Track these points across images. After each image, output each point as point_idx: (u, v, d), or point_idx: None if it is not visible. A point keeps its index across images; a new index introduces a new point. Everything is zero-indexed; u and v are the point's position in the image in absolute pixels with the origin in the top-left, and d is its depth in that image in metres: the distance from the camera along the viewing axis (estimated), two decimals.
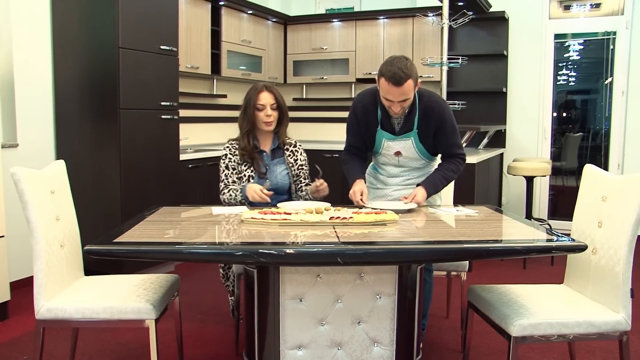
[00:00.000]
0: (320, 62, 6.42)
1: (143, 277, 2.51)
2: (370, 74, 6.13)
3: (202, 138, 5.67)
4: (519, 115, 5.99)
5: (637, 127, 5.61)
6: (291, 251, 1.92)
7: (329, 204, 2.72)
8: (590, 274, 2.31)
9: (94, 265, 3.20)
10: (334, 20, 6.28)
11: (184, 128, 4.85)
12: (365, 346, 2.19)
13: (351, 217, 2.30)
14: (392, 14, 5.99)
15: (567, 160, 6.24)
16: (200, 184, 4.70)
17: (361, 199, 2.71)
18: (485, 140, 5.54)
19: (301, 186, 3.07)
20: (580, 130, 6.28)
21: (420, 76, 5.82)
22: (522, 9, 5.86)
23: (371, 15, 6.11)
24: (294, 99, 6.72)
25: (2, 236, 3.33)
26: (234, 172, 3.00)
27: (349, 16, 6.29)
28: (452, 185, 3.17)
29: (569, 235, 2.22)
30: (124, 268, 3.77)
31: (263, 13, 5.98)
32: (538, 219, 5.46)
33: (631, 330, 2.18)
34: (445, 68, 5.19)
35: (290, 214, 2.35)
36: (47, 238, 2.22)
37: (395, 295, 2.17)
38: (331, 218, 2.29)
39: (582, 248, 2.05)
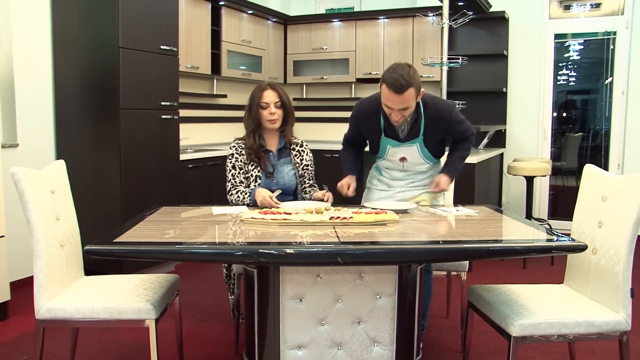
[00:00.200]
0: (320, 62, 6.42)
1: (143, 277, 2.51)
2: (370, 74, 6.13)
3: (202, 138, 5.67)
4: (519, 115, 5.99)
5: (637, 127, 5.61)
6: (291, 251, 1.92)
7: (329, 204, 2.72)
8: (590, 274, 2.31)
9: (94, 265, 3.20)
10: (334, 20, 6.28)
11: (184, 128, 4.85)
12: (365, 346, 2.19)
13: (351, 217, 2.30)
14: (392, 14, 5.99)
15: (567, 160, 6.24)
16: (200, 184, 4.70)
17: (347, 193, 2.81)
18: (485, 140, 5.54)
19: (305, 187, 3.05)
20: (580, 130, 6.28)
21: (421, 76, 5.87)
22: (522, 9, 5.86)
23: (371, 15, 6.11)
24: (294, 99, 6.72)
25: (2, 236, 3.33)
26: (241, 171, 2.98)
27: (349, 16, 6.29)
28: (452, 185, 3.16)
29: (569, 235, 2.22)
30: (124, 268, 3.77)
31: (263, 13, 5.99)
32: (538, 219, 5.47)
33: (631, 330, 2.18)
34: (445, 68, 5.19)
35: (290, 214, 2.35)
36: (47, 238, 2.22)
37: (395, 295, 2.17)
38: (331, 218, 2.29)
39: (582, 248, 2.05)
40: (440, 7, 5.16)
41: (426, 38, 5.82)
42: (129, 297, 2.25)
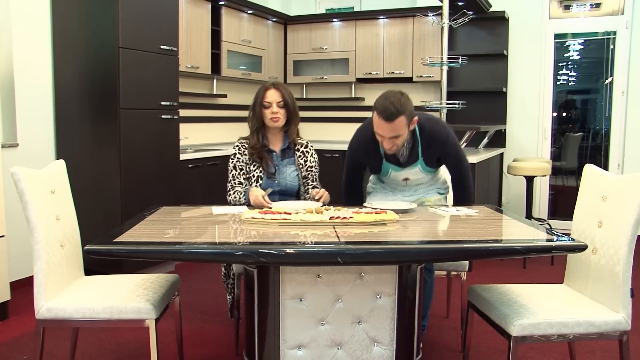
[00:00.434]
0: (320, 62, 6.42)
1: (143, 276, 2.51)
2: (370, 73, 6.13)
3: (202, 138, 5.67)
4: (519, 115, 5.99)
5: (637, 126, 5.61)
6: (291, 251, 1.92)
7: (319, 204, 2.72)
8: (590, 274, 2.31)
9: (94, 265, 3.20)
10: (334, 20, 6.28)
11: (184, 128, 4.85)
12: (365, 346, 2.19)
13: (351, 217, 2.30)
14: (392, 13, 5.99)
15: (567, 160, 6.24)
16: (200, 183, 4.70)
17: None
18: (485, 140, 5.54)
19: (308, 188, 3.04)
20: (580, 130, 6.29)
21: (420, 76, 5.90)
22: (522, 8, 5.86)
23: (371, 15, 6.11)
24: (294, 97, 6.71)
25: (2, 236, 3.33)
26: (242, 172, 2.98)
27: (349, 16, 6.29)
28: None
29: (569, 235, 2.21)
30: (123, 268, 3.77)
31: (263, 13, 5.99)
32: (538, 219, 5.47)
33: (631, 330, 2.18)
34: (445, 68, 5.19)
35: (290, 213, 2.35)
36: (47, 238, 2.22)
37: (395, 295, 2.17)
38: (331, 218, 2.29)
39: (582, 248, 2.05)
40: (440, 7, 5.16)
41: (426, 38, 5.82)
42: (129, 297, 2.25)
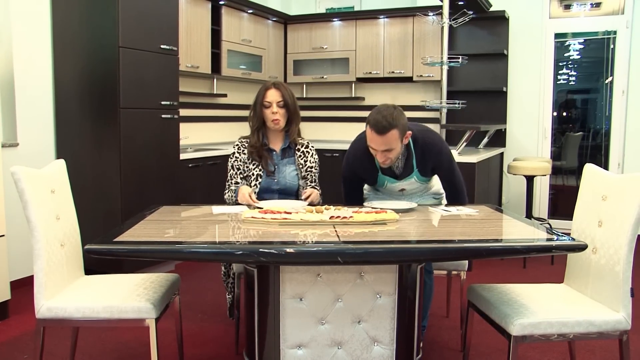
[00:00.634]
0: (320, 62, 6.42)
1: (143, 276, 2.51)
2: (370, 73, 6.13)
3: (202, 137, 5.67)
4: (519, 114, 5.99)
5: (637, 126, 5.61)
6: (291, 250, 1.92)
7: (305, 203, 2.73)
8: (590, 273, 2.31)
9: (94, 264, 3.20)
10: (334, 19, 6.28)
11: (184, 127, 4.85)
12: (365, 345, 2.19)
13: (351, 217, 2.30)
14: (393, 13, 5.99)
15: (567, 159, 6.24)
16: (200, 183, 4.70)
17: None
18: (485, 140, 5.53)
19: (306, 189, 3.05)
20: (581, 129, 6.28)
21: (420, 76, 5.90)
22: (522, 8, 5.86)
23: (371, 15, 6.11)
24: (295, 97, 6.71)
25: (3, 235, 3.33)
26: (239, 172, 2.99)
27: (349, 15, 6.29)
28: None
29: (569, 234, 2.21)
30: (124, 267, 3.77)
31: (263, 12, 5.98)
32: (538, 218, 5.46)
33: (631, 330, 2.18)
34: (445, 67, 5.19)
35: (290, 213, 2.35)
36: (47, 237, 2.22)
37: (395, 294, 2.17)
38: (331, 217, 2.29)
39: (582, 247, 2.05)
40: (441, 7, 5.16)
41: (426, 37, 5.82)
42: (129, 296, 2.25)
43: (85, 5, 3.95)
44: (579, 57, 6.21)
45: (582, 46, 6.17)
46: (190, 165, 4.60)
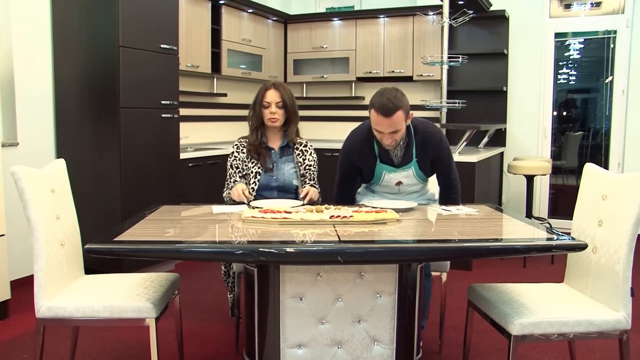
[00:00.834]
0: (320, 61, 6.41)
1: (143, 275, 2.51)
2: (370, 72, 6.13)
3: (202, 137, 5.67)
4: (519, 114, 5.99)
5: (637, 126, 5.61)
6: (291, 250, 1.92)
7: (301, 203, 2.73)
8: (590, 273, 2.31)
9: (94, 264, 3.20)
10: (334, 19, 6.28)
11: (184, 127, 4.85)
12: (365, 345, 2.19)
13: (351, 216, 2.30)
14: (393, 12, 5.99)
15: (568, 159, 6.24)
16: (200, 182, 4.70)
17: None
18: (485, 139, 5.53)
19: (304, 187, 3.06)
20: (581, 129, 6.28)
21: (420, 75, 5.90)
22: (522, 7, 5.86)
23: (371, 14, 6.11)
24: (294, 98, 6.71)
25: (3, 235, 3.33)
26: (238, 170, 3.03)
27: (349, 15, 6.29)
28: None
29: (569, 234, 2.21)
30: (124, 267, 3.78)
31: (263, 12, 5.98)
32: (538, 218, 5.47)
33: (631, 329, 2.18)
34: (445, 67, 5.19)
35: (290, 212, 2.35)
36: (48, 237, 2.22)
37: (395, 294, 2.17)
38: (331, 217, 2.29)
39: (582, 247, 2.05)
40: (441, 6, 5.16)
41: (426, 37, 5.82)
42: (129, 295, 2.25)
43: (85, 5, 3.95)
44: (579, 56, 6.21)
45: (582, 46, 6.17)
46: (190, 164, 4.60)
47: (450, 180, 2.92)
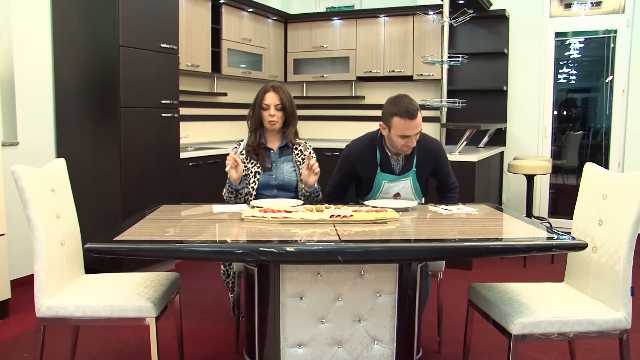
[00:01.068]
0: (320, 61, 6.41)
1: (143, 275, 2.52)
2: (370, 72, 6.13)
3: (202, 136, 5.67)
4: (520, 113, 5.98)
5: (637, 125, 5.61)
6: (292, 249, 1.92)
7: (301, 202, 2.74)
8: (590, 272, 2.31)
9: (95, 263, 3.20)
10: (334, 18, 6.28)
11: (184, 126, 4.85)
12: (365, 344, 2.19)
13: (351, 215, 2.30)
14: (393, 12, 5.99)
15: (568, 158, 6.24)
16: (200, 182, 4.70)
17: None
18: (485, 139, 5.53)
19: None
20: (581, 128, 6.28)
21: (421, 74, 5.90)
22: (522, 7, 5.85)
23: (371, 14, 6.10)
24: (294, 97, 6.67)
25: (3, 234, 3.33)
26: None
27: (349, 14, 6.29)
28: None
29: (569, 233, 2.22)
30: (124, 266, 3.78)
31: (263, 11, 5.98)
32: (538, 217, 5.47)
33: (631, 329, 2.18)
34: (445, 66, 5.19)
35: (290, 212, 2.35)
36: (48, 236, 2.22)
37: (395, 293, 2.18)
38: (332, 216, 2.29)
39: (582, 246, 2.05)
40: (441, 5, 5.15)
41: (426, 36, 5.82)
42: (129, 295, 2.25)
43: (85, 4, 3.95)
44: (579, 56, 6.21)
45: (582, 45, 6.17)
46: (190, 164, 4.60)
47: (449, 183, 3.03)
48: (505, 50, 5.82)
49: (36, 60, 3.99)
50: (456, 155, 4.54)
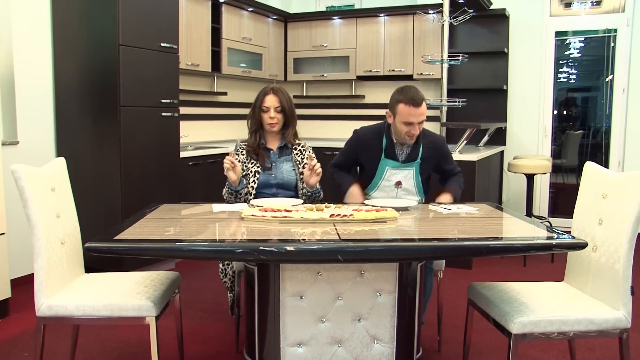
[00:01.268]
0: (320, 60, 6.41)
1: (143, 274, 2.52)
2: (370, 71, 6.12)
3: (202, 135, 5.67)
4: (520, 112, 5.98)
5: (637, 124, 5.60)
6: (292, 248, 1.92)
7: (301, 201, 2.74)
8: (590, 272, 2.31)
9: (94, 262, 3.20)
10: (334, 17, 6.28)
11: (184, 125, 4.85)
12: (365, 343, 2.19)
13: (351, 215, 2.30)
14: (393, 11, 5.98)
15: (568, 157, 6.24)
16: (200, 181, 4.70)
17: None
18: (485, 138, 5.53)
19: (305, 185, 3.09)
20: (581, 127, 6.28)
21: (421, 74, 5.90)
22: (522, 6, 5.85)
23: (371, 13, 6.10)
24: (294, 97, 6.71)
25: (3, 233, 3.33)
26: None
27: (349, 13, 6.28)
28: None
29: (569, 232, 2.22)
30: (124, 265, 3.78)
31: (263, 10, 5.98)
32: (538, 217, 5.46)
33: (631, 328, 2.18)
34: (445, 65, 5.19)
35: (290, 211, 2.35)
36: (48, 235, 2.22)
37: (395, 292, 2.18)
38: (332, 215, 2.29)
39: (582, 245, 2.05)
40: (441, 5, 5.15)
41: (426, 35, 5.81)
42: (129, 294, 2.25)
43: (85, 4, 3.94)
44: (579, 55, 6.21)
45: (582, 44, 6.16)
46: (190, 163, 4.60)
47: (455, 174, 3.13)
48: (506, 50, 5.82)
49: (36, 59, 3.99)
50: (456, 154, 4.54)
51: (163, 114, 4.24)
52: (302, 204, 2.65)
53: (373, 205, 2.57)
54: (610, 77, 5.77)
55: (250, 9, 5.78)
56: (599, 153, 5.95)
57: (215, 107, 5.89)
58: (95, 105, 3.98)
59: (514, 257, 4.68)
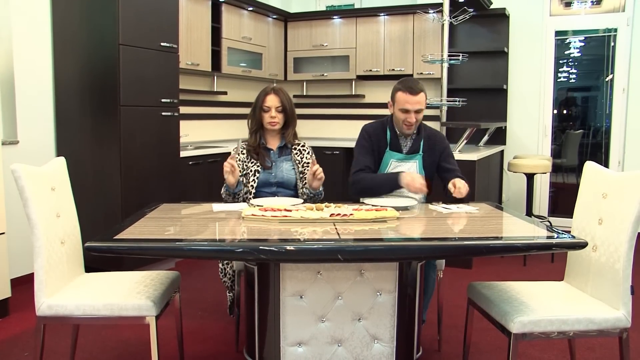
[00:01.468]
0: (320, 59, 6.41)
1: (143, 273, 2.52)
2: (370, 70, 6.12)
3: (202, 135, 5.67)
4: (520, 112, 5.98)
5: (637, 124, 5.60)
6: (292, 248, 1.92)
7: (301, 200, 2.74)
8: (590, 271, 2.31)
9: (94, 262, 3.20)
10: (334, 17, 6.27)
11: (184, 125, 4.85)
12: (365, 343, 2.19)
13: (351, 214, 2.30)
14: (393, 10, 5.98)
15: (568, 157, 6.24)
16: (200, 181, 4.70)
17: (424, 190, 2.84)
18: (485, 138, 5.53)
19: (305, 184, 3.10)
20: (581, 127, 6.28)
21: (421, 73, 5.89)
22: (522, 5, 5.85)
23: (371, 12, 6.10)
24: (294, 96, 6.71)
25: (3, 233, 3.33)
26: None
27: (349, 13, 6.28)
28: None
29: (569, 232, 2.22)
30: (124, 265, 3.78)
31: (263, 10, 5.98)
32: (538, 216, 5.46)
33: (631, 327, 2.18)
34: (445, 65, 5.18)
35: (290, 210, 2.35)
36: (48, 235, 2.22)
37: (395, 292, 2.18)
38: (331, 215, 2.29)
39: (582, 245, 2.05)
40: (441, 4, 5.15)
41: (427, 35, 5.81)
42: (129, 294, 2.25)
43: (85, 3, 3.94)
44: (579, 54, 6.21)
45: (582, 44, 6.16)
46: (190, 162, 4.60)
47: (457, 176, 3.05)
48: (506, 49, 5.82)
49: (36, 58, 3.99)
50: (456, 153, 4.54)
51: (163, 113, 4.24)
52: (302, 203, 2.66)
53: (373, 205, 2.57)
54: (610, 76, 5.77)
55: (250, 9, 5.78)
56: (599, 152, 5.95)
57: (215, 107, 5.89)
58: (95, 104, 3.98)
59: (514, 257, 4.68)
